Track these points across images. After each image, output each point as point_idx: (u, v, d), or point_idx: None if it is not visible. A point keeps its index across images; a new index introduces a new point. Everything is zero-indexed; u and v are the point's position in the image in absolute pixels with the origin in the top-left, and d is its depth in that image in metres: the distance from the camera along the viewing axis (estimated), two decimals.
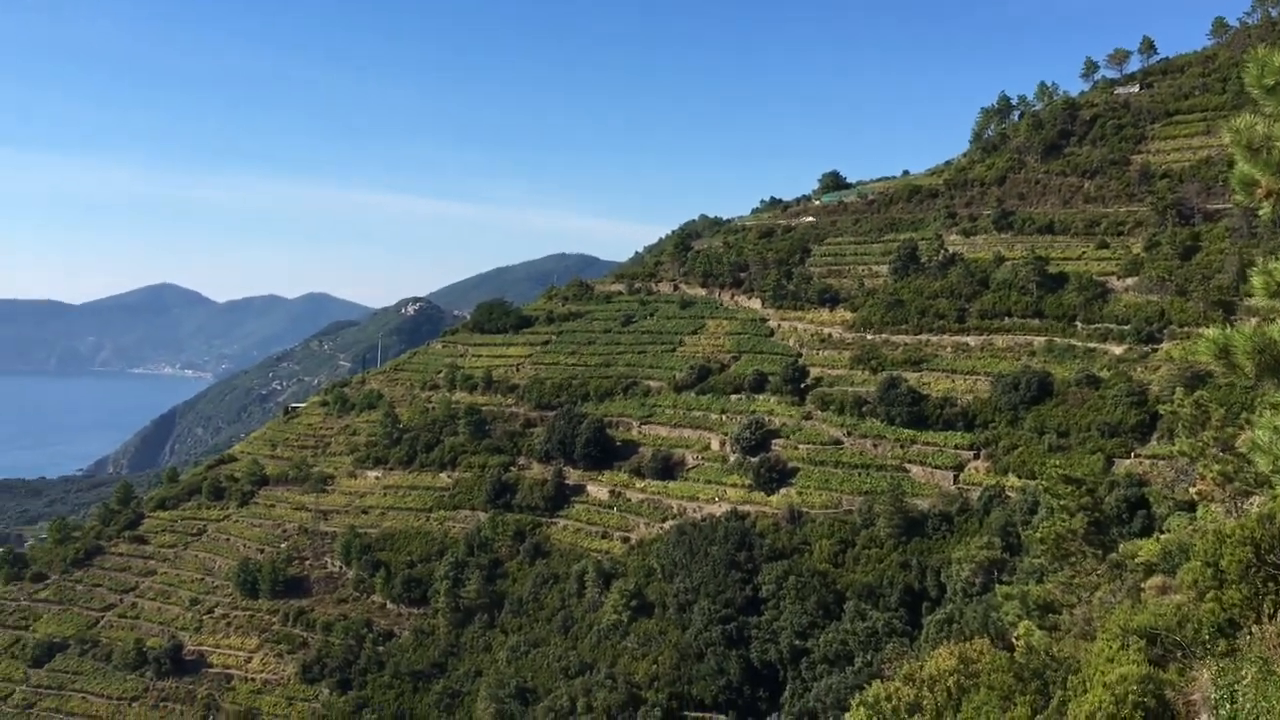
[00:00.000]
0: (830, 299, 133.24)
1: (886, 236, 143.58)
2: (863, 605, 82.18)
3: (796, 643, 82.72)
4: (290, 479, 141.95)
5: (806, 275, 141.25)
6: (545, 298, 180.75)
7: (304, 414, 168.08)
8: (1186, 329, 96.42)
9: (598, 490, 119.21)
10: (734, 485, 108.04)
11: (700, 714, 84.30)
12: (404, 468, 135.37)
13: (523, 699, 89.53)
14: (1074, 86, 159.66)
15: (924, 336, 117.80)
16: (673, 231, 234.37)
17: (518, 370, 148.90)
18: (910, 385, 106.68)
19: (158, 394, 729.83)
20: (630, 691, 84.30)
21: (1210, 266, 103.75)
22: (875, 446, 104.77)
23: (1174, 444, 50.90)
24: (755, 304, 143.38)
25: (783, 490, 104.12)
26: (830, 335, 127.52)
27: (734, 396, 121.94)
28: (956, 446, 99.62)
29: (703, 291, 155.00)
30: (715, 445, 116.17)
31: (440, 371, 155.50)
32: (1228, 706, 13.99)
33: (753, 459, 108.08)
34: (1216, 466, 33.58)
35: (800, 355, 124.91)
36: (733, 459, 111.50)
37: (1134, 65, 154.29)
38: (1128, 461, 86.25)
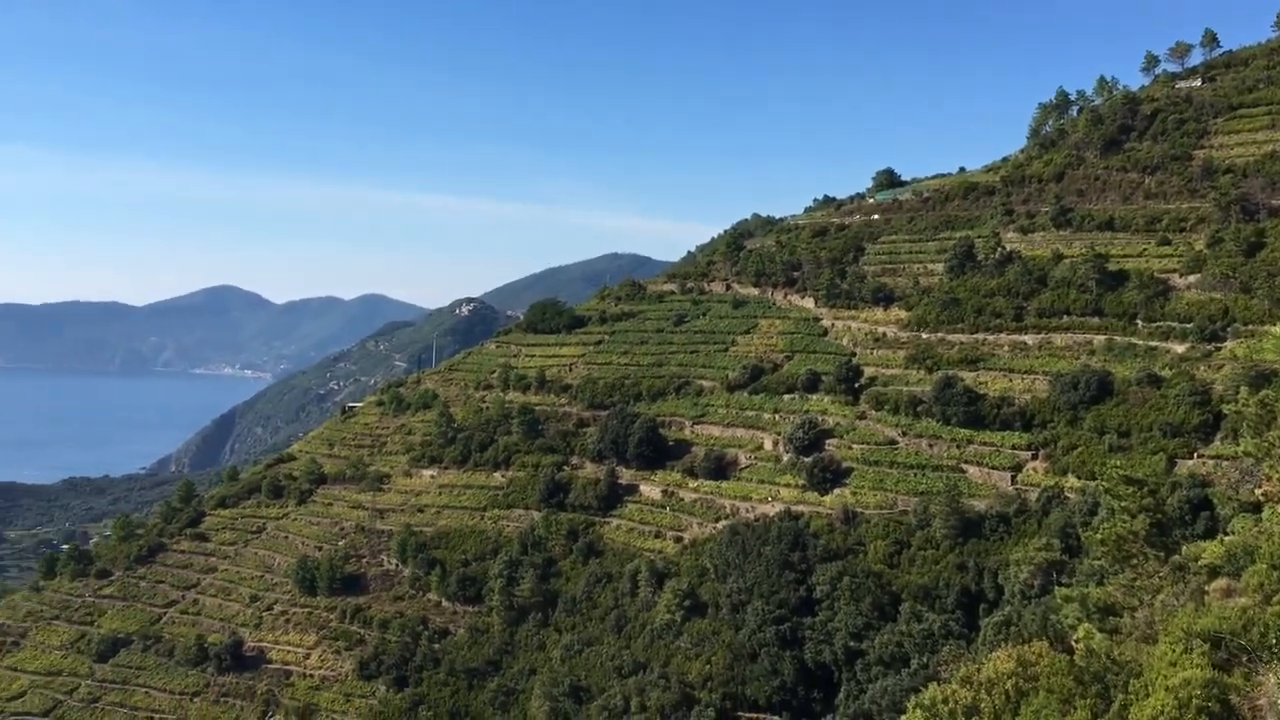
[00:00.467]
0: (885, 298, 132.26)
1: (942, 234, 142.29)
2: (919, 607, 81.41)
3: (851, 644, 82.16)
4: (347, 478, 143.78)
5: (860, 274, 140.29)
6: (598, 298, 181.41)
7: (360, 414, 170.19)
8: (1251, 327, 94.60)
9: (650, 490, 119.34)
10: (787, 485, 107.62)
11: (754, 714, 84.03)
12: (458, 467, 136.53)
13: (577, 698, 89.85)
14: (1134, 81, 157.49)
15: (980, 335, 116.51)
16: (725, 231, 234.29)
17: (571, 370, 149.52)
18: (966, 385, 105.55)
19: (218, 394, 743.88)
20: (684, 691, 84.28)
21: (1276, 263, 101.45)
22: (931, 446, 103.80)
23: (1238, 444, 49.87)
24: (808, 303, 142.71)
25: (836, 490, 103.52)
26: (885, 334, 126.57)
27: (787, 396, 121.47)
28: (1014, 447, 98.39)
29: (755, 291, 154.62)
30: (768, 445, 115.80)
31: (494, 371, 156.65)
32: None
33: (806, 459, 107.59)
34: None
35: (854, 354, 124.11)
36: (786, 459, 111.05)
37: (1196, 59, 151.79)
38: (1190, 462, 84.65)
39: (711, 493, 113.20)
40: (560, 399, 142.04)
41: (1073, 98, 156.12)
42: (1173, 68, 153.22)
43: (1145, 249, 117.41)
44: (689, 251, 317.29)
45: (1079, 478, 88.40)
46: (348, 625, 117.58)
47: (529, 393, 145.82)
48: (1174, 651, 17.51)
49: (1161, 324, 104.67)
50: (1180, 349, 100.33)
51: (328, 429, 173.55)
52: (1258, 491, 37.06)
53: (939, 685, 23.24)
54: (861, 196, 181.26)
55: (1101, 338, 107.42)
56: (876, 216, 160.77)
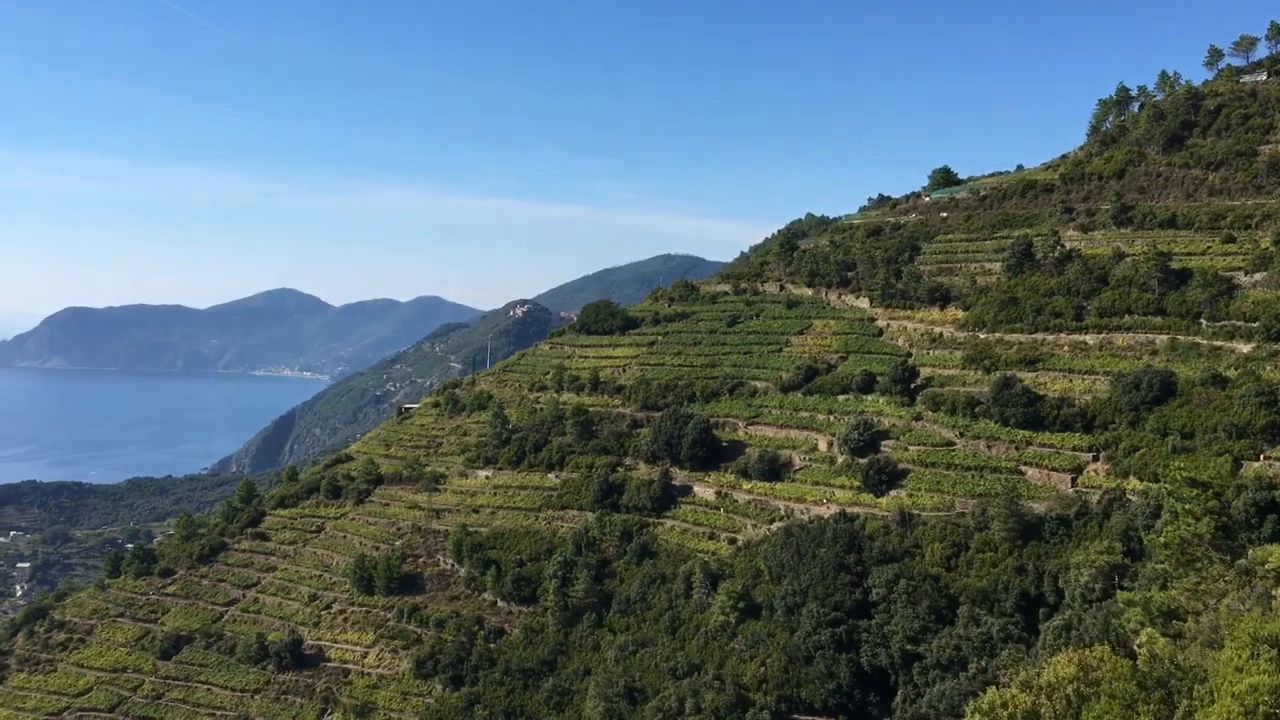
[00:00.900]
0: (941, 297, 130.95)
1: (1000, 233, 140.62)
2: (977, 610, 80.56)
3: (908, 647, 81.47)
4: (404, 478, 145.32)
5: (916, 273, 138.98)
6: (651, 299, 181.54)
7: (417, 415, 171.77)
8: None
9: (704, 491, 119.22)
10: (842, 487, 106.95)
11: (810, 717, 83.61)
12: (513, 468, 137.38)
13: (631, 699, 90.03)
14: (1197, 76, 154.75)
15: (1039, 335, 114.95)
16: (779, 231, 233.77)
17: (624, 371, 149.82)
18: (1025, 385, 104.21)
19: (278, 395, 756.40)
20: (738, 693, 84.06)
21: None
22: (989, 448, 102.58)
23: None
24: (863, 303, 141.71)
25: (892, 492, 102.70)
26: (941, 334, 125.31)
27: (841, 397, 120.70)
28: (1074, 448, 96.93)
29: (809, 291, 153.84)
30: (823, 446, 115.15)
31: (548, 373, 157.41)
32: None
33: (861, 460, 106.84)
34: None
35: (910, 355, 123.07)
36: (841, 460, 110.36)
37: (1261, 52, 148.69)
38: (1257, 464, 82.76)
39: (766, 494, 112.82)
40: (614, 400, 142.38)
41: (1134, 93, 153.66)
42: (1237, 62, 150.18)
43: (1209, 247, 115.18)
44: (742, 252, 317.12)
45: (1141, 480, 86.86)
46: (405, 624, 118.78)
47: (583, 394, 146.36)
48: (1240, 657, 17.18)
49: (1226, 323, 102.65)
50: (1246, 348, 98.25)
51: (385, 430, 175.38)
52: None
53: (998, 689, 23.01)
54: (917, 195, 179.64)
55: (1164, 337, 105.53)
56: (930, 216, 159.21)
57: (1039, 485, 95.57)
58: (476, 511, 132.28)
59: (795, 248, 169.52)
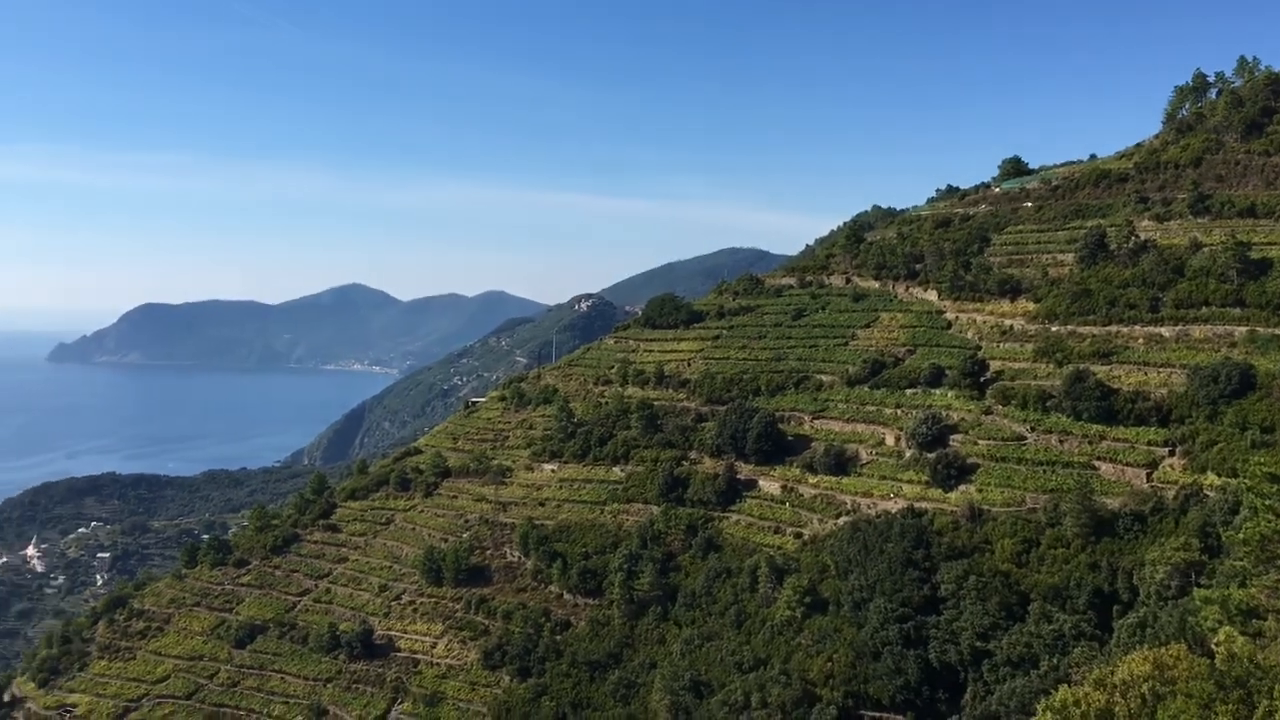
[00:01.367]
0: (1011, 289, 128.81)
1: (1072, 223, 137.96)
2: (1048, 607, 79.32)
3: (978, 644, 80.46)
4: (471, 471, 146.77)
5: (986, 265, 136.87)
6: (715, 292, 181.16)
7: (483, 408, 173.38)
8: None
9: (769, 485, 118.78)
10: (910, 481, 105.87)
11: (877, 714, 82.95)
12: (578, 461, 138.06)
13: (697, 692, 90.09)
14: (1277, 61, 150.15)
15: (1113, 328, 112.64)
16: (844, 223, 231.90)
17: (689, 365, 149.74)
18: (1099, 379, 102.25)
19: (348, 389, 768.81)
20: (805, 688, 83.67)
21: None
22: (1061, 442, 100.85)
23: None
24: (931, 295, 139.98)
25: (961, 487, 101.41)
26: (1011, 327, 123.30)
27: (909, 391, 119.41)
28: (1149, 443, 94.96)
29: (875, 284, 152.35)
30: (890, 440, 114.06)
31: (612, 367, 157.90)
32: None
33: (929, 455, 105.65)
34: None
35: (979, 348, 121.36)
36: (908, 454, 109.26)
37: None
38: None
39: (832, 488, 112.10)
40: (678, 394, 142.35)
41: (1211, 80, 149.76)
42: None
43: None
44: (807, 245, 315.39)
45: (1219, 475, 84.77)
46: (473, 615, 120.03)
47: (647, 388, 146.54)
48: None
49: None
50: None
51: (452, 423, 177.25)
52: None
53: (1070, 687, 22.68)
54: (986, 186, 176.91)
55: (1243, 329, 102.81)
56: (1000, 207, 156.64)
57: (1113, 480, 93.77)
58: (542, 504, 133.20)
59: (861, 240, 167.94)
